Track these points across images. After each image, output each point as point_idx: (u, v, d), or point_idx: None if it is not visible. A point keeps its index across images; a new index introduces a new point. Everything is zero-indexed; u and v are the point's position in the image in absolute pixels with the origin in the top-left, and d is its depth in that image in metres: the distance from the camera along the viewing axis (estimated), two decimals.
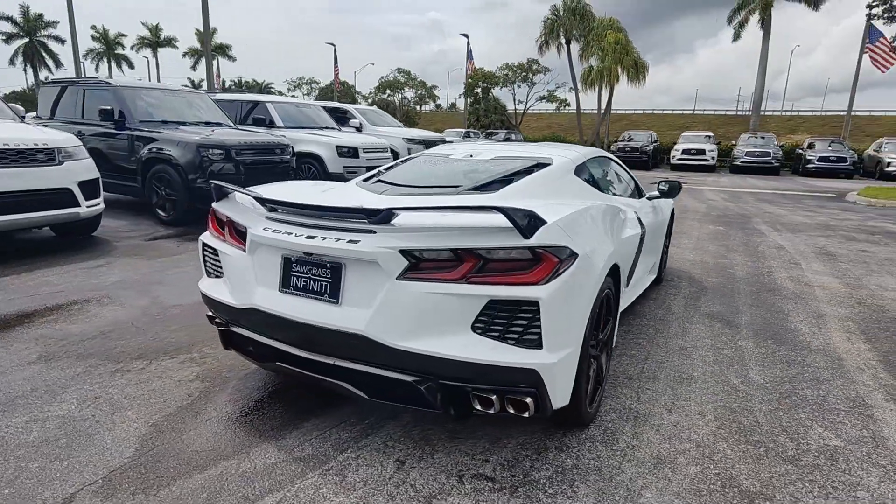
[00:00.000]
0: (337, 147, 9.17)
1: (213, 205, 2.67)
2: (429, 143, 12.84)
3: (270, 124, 9.64)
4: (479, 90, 32.36)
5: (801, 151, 24.31)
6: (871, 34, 25.22)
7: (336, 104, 13.42)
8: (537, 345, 1.88)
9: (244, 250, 2.36)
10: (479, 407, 1.99)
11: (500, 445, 2.31)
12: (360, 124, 12.42)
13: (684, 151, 24.40)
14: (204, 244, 2.69)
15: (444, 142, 13.84)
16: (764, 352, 3.42)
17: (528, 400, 1.92)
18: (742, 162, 23.52)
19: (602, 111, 28.46)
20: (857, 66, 26.11)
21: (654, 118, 54.28)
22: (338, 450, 2.25)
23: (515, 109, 35.53)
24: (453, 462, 2.19)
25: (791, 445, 2.37)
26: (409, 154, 12.42)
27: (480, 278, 1.90)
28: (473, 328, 1.92)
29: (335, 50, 36.70)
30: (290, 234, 2.15)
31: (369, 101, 42.19)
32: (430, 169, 3.19)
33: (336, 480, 2.05)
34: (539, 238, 1.88)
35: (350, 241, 2.01)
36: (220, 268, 2.57)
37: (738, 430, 2.48)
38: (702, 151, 24.19)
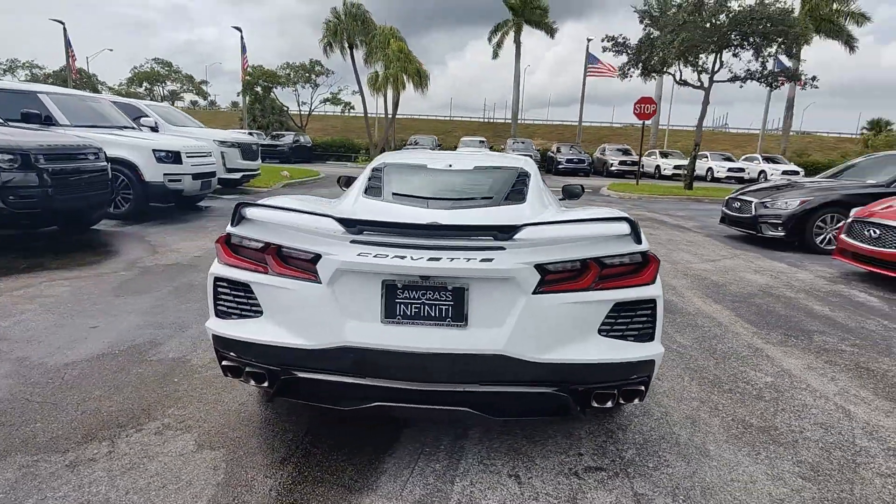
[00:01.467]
0: (154, 151, 7.75)
1: (230, 229, 2.19)
2: (244, 147, 11.71)
3: (48, 121, 7.58)
4: (259, 89, 30.30)
5: (552, 154, 29.32)
6: (590, 59, 31.81)
7: (124, 99, 11.16)
8: (650, 338, 2.13)
9: (315, 281, 2.02)
10: (595, 403, 2.13)
11: (576, 438, 2.48)
12: (156, 123, 10.62)
13: None
14: (219, 279, 2.19)
15: (259, 145, 12.76)
16: (669, 320, 4.28)
17: (642, 388, 2.16)
18: None
19: (391, 115, 29.65)
20: (583, 84, 32.64)
21: (420, 122, 58.16)
22: (447, 482, 2.13)
23: (300, 111, 34.32)
24: (556, 463, 2.28)
25: (750, 388, 3.10)
26: (223, 158, 11.17)
27: (606, 284, 2.05)
28: (600, 331, 2.06)
29: (65, 29, 29.98)
30: (402, 257, 1.94)
31: (116, 93, 35.68)
32: (441, 180, 3.11)
33: None
34: (645, 244, 2.12)
35: (483, 260, 1.94)
36: (257, 305, 2.13)
37: (712, 383, 3.13)
38: None
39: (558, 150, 29.15)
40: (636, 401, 2.19)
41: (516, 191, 2.95)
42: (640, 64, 17.38)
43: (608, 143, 31.22)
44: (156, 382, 2.87)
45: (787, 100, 32.42)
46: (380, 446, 2.36)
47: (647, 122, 17.98)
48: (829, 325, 4.31)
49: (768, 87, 16.03)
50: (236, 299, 2.18)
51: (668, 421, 2.67)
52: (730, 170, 28.20)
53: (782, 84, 15.90)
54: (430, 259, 1.94)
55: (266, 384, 2.17)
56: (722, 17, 15.21)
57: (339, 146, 32.18)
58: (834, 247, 7.19)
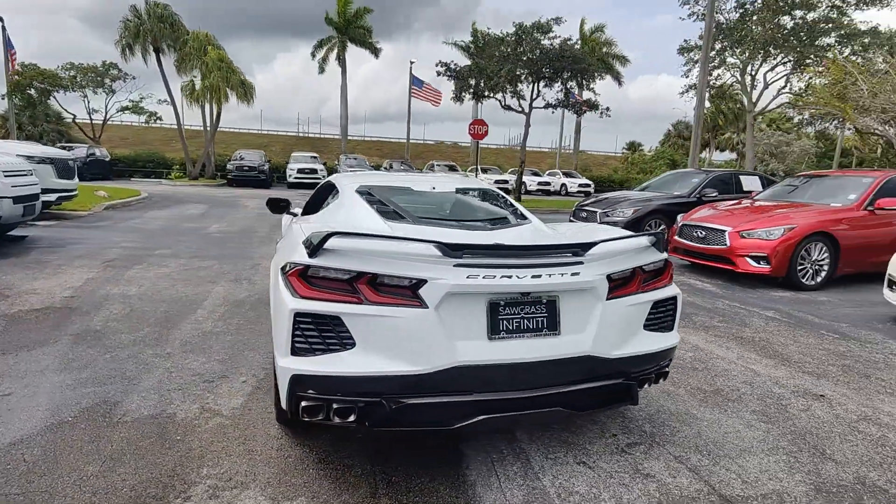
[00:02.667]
0: None
1: (309, 261, 2.08)
2: (59, 163, 9.80)
3: None
4: (33, 91, 24.95)
5: (387, 170, 30.08)
6: (415, 81, 33.44)
7: None
8: (671, 328, 2.62)
9: (420, 306, 2.05)
10: (638, 388, 2.54)
11: (602, 424, 2.87)
12: None
13: (300, 171, 26.36)
14: (301, 314, 2.05)
15: (76, 160, 10.77)
16: None
17: (667, 369, 2.64)
18: None
19: (211, 128, 27.05)
20: (409, 105, 34.11)
21: (231, 136, 54.31)
22: (534, 479, 2.33)
23: (91, 119, 29.15)
24: (603, 446, 2.63)
25: (684, 363, 3.86)
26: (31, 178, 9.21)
27: (646, 287, 2.49)
28: (645, 326, 2.48)
29: None
30: (509, 277, 2.10)
31: None
32: (447, 203, 3.23)
33: (577, 499, 2.21)
34: (665, 253, 2.62)
35: (573, 274, 2.20)
36: (348, 337, 2.07)
37: None
38: (314, 171, 26.70)
39: (391, 167, 30.00)
40: (661, 381, 2.66)
41: (513, 211, 3.26)
42: (471, 89, 19.01)
43: (436, 161, 33.23)
44: (155, 445, 2.47)
45: (576, 124, 38.34)
46: (452, 462, 2.44)
47: (479, 141, 19.73)
48: (695, 308, 5.49)
49: (575, 114, 19.01)
50: (323, 334, 2.07)
51: (651, 397, 3.23)
52: (539, 183, 32.26)
53: (585, 112, 18.97)
54: (533, 276, 2.14)
55: (353, 418, 2.11)
56: (537, 52, 17.53)
57: (147, 160, 28.24)
58: None
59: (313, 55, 32.10)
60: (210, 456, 2.40)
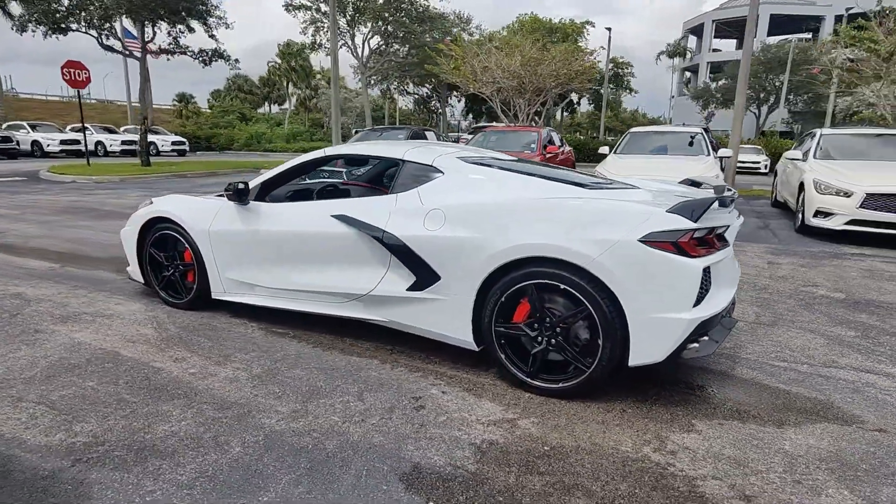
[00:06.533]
0: None
1: (693, 225, 2.34)
2: None
3: None
4: None
5: None
6: None
7: None
8: None
9: (726, 245, 2.62)
10: None
11: None
12: None
13: None
14: (705, 269, 2.35)
15: None
16: None
17: None
18: None
19: None
20: None
21: None
22: (743, 369, 3.16)
23: None
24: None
25: None
26: None
27: None
28: None
29: None
30: (732, 214, 2.83)
31: None
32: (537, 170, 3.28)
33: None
34: None
35: (731, 211, 3.06)
36: (708, 283, 2.44)
37: None
38: None
39: None
40: None
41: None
42: (50, 16, 14.04)
43: (22, 121, 22.83)
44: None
45: (142, 73, 33.13)
46: (673, 384, 2.95)
47: (82, 90, 14.90)
48: None
49: (203, 65, 16.81)
50: (704, 283, 2.35)
51: None
52: (123, 142, 26.85)
53: (212, 62, 17.04)
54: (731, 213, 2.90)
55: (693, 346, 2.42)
56: None
57: None
58: None
59: None
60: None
